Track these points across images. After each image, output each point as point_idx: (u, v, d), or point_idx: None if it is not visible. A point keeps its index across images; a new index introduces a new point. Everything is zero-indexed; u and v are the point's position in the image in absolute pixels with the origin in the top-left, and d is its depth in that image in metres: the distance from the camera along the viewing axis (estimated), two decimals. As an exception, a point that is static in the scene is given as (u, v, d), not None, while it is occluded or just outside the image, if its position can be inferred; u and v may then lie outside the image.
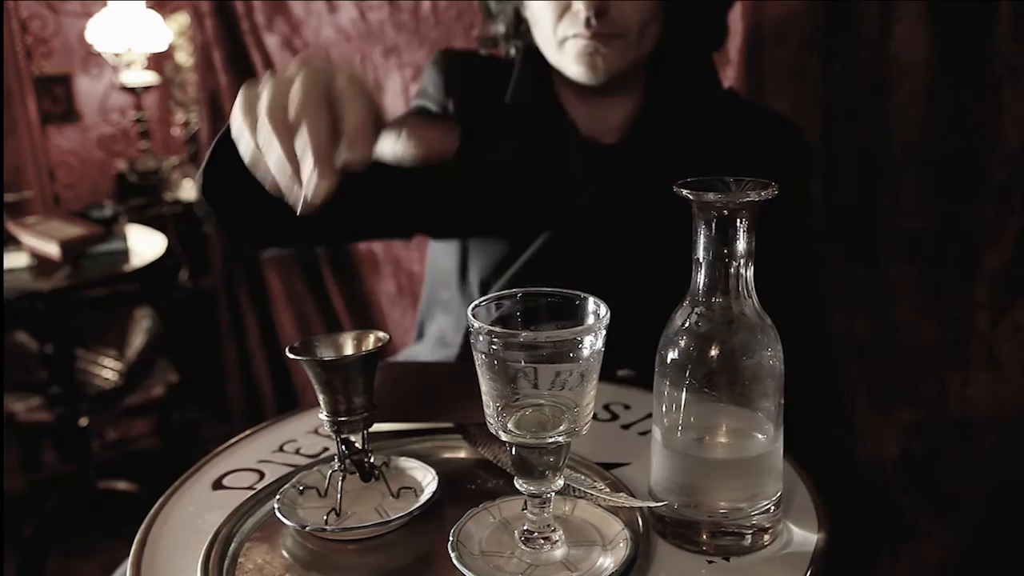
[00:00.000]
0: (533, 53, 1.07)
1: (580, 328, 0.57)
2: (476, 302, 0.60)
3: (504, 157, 1.05)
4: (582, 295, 0.60)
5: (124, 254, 2.07)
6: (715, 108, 1.10)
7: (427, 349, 1.18)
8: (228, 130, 0.75)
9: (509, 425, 0.59)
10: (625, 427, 0.82)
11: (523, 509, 0.62)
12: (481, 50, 1.21)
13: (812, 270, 1.23)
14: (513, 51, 1.14)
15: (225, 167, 0.75)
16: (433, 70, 1.11)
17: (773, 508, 0.64)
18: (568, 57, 1.02)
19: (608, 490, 0.67)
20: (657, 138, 1.07)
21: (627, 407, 0.85)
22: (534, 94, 1.08)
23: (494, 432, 0.60)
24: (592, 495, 0.66)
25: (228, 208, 0.83)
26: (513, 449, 0.60)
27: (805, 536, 0.65)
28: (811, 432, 1.04)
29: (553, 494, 0.61)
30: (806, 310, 1.18)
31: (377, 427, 0.71)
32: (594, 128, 1.09)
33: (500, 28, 1.12)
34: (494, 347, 0.57)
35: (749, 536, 0.63)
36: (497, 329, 0.57)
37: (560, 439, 0.59)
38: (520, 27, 1.10)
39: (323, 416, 0.67)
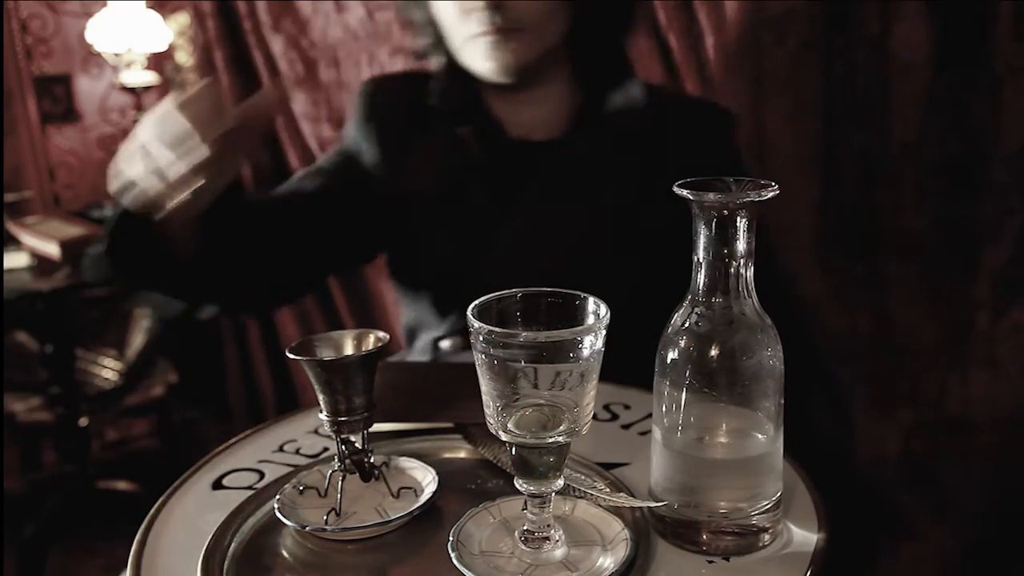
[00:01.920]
0: (454, 59, 1.07)
1: (580, 328, 0.57)
2: (476, 302, 0.60)
3: (435, 165, 1.05)
4: (582, 295, 0.60)
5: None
6: (641, 95, 1.08)
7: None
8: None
9: (509, 425, 0.59)
10: (625, 427, 0.81)
11: (523, 509, 0.62)
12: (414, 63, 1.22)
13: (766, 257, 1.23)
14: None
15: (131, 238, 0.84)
16: (356, 103, 1.12)
17: (773, 508, 0.64)
18: (475, 56, 1.02)
19: (608, 490, 0.67)
20: (589, 129, 1.06)
21: (627, 407, 0.85)
22: (457, 98, 1.08)
23: (494, 432, 0.60)
24: (592, 495, 0.66)
25: (143, 276, 0.89)
26: (513, 449, 0.60)
27: (805, 536, 0.65)
28: (805, 428, 1.04)
29: (553, 494, 0.61)
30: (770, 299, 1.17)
31: (377, 427, 0.71)
32: (524, 126, 1.08)
33: (424, 39, 1.12)
34: (494, 347, 0.57)
35: (749, 536, 0.63)
36: (497, 329, 0.57)
37: (560, 439, 0.59)
38: (442, 36, 1.10)
39: (323, 416, 0.67)
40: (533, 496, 0.61)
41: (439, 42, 1.10)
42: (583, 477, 0.69)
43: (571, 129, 1.08)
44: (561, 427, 0.59)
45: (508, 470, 0.70)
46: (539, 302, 0.61)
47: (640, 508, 0.65)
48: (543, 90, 1.08)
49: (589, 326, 0.58)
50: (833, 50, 1.33)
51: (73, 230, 2.07)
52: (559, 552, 0.61)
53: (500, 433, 0.60)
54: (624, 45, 1.12)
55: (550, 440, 0.59)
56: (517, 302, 0.61)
